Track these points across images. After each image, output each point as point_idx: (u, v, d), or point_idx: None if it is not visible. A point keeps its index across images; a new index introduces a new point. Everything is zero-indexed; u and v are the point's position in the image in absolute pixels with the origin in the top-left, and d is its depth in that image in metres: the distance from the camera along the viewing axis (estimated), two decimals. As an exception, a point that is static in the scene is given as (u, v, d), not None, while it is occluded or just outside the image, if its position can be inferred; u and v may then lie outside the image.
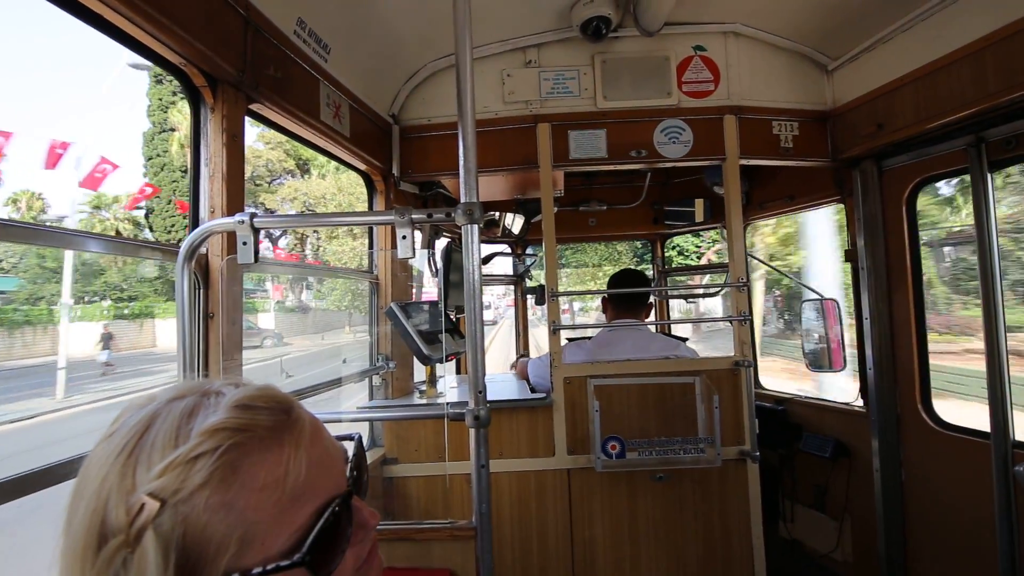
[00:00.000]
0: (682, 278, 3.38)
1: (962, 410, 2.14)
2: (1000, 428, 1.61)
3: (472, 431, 0.96)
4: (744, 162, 1.93)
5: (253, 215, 0.98)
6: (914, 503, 1.91)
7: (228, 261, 1.04)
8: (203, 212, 1.13)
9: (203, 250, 1.12)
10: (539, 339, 2.96)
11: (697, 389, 1.83)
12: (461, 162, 0.97)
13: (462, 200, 0.97)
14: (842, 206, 2.20)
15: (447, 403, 1.01)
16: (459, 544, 0.94)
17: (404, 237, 0.96)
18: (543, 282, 3.00)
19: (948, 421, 1.84)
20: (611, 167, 1.99)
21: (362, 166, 1.90)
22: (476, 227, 0.97)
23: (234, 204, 1.12)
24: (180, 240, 1.05)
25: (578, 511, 1.84)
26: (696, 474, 1.84)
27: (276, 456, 0.45)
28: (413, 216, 0.96)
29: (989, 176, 1.67)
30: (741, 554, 1.83)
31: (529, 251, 3.10)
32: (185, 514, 0.40)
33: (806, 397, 2.48)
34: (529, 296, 3.07)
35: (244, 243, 0.97)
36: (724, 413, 1.80)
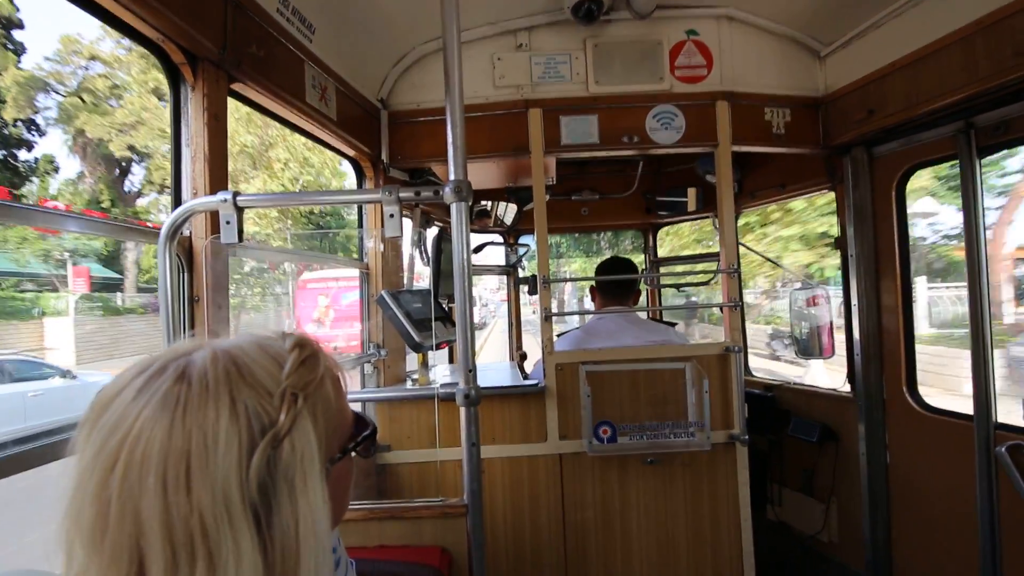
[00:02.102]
0: (674, 274, 3.37)
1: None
2: (983, 410, 1.64)
3: (463, 410, 0.95)
4: (736, 149, 1.93)
5: (236, 194, 0.96)
6: (898, 484, 1.94)
7: (212, 241, 1.02)
8: (185, 194, 1.10)
9: (186, 232, 1.10)
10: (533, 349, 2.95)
11: (687, 374, 1.83)
12: (449, 138, 0.96)
13: (451, 178, 0.96)
14: (832, 194, 2.21)
15: (438, 384, 1.00)
16: (450, 521, 0.94)
17: (392, 216, 0.95)
18: (536, 272, 3.00)
19: (933, 405, 1.86)
20: (603, 153, 1.97)
21: (350, 152, 1.87)
22: (464, 205, 0.96)
23: (217, 186, 1.09)
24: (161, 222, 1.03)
25: (570, 495, 1.84)
26: (686, 457, 1.85)
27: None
28: (401, 194, 0.94)
29: (978, 162, 1.68)
30: (729, 535, 1.85)
31: (522, 241, 3.08)
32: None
33: (795, 383, 2.50)
34: (522, 286, 3.06)
35: (228, 222, 0.95)
36: (714, 398, 1.82)
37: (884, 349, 1.96)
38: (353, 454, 0.56)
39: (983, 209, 1.68)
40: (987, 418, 1.64)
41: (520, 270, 3.11)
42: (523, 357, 2.98)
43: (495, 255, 3.10)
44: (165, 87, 1.05)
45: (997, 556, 1.61)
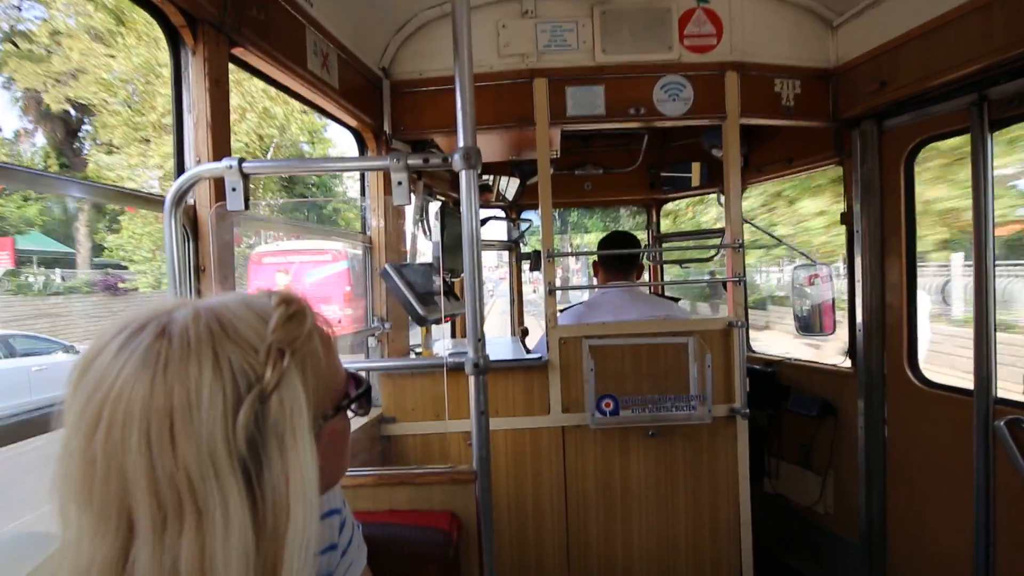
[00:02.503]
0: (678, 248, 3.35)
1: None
2: (983, 384, 1.65)
3: (472, 379, 0.95)
4: (744, 121, 1.90)
5: (242, 160, 0.94)
6: (896, 458, 1.97)
7: (217, 209, 1.01)
8: (188, 162, 1.09)
9: (190, 201, 1.09)
10: (534, 329, 2.93)
11: (690, 348, 1.84)
12: (458, 103, 0.94)
13: (459, 145, 0.94)
14: (840, 169, 2.19)
15: (447, 353, 1.00)
16: (459, 487, 0.96)
17: (400, 183, 0.93)
18: (538, 248, 2.99)
19: (933, 380, 1.88)
20: (609, 125, 1.94)
21: (352, 122, 1.84)
22: (474, 173, 0.94)
23: (220, 152, 1.07)
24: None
25: (572, 466, 1.87)
26: (687, 430, 1.88)
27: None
28: (409, 161, 0.93)
29: (990, 136, 1.65)
30: (728, 506, 1.89)
31: (524, 216, 3.06)
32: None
33: (796, 359, 2.52)
34: (524, 262, 3.06)
35: (233, 189, 0.94)
36: (716, 372, 1.83)
37: (887, 325, 1.97)
38: (349, 413, 0.57)
39: (992, 184, 1.66)
40: (987, 393, 1.65)
41: (522, 245, 3.10)
42: (525, 333, 3.00)
43: (496, 230, 3.08)
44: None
45: (991, 529, 1.65)
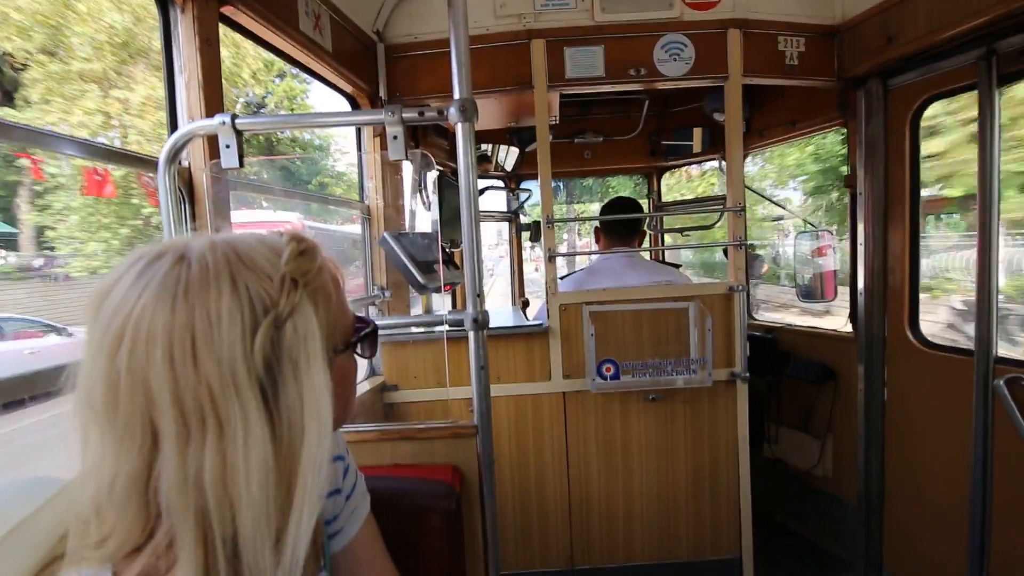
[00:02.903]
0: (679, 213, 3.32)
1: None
2: (984, 343, 1.65)
3: (471, 334, 0.96)
4: (747, 81, 1.86)
5: (235, 116, 0.93)
6: (895, 420, 1.99)
7: (212, 166, 0.99)
8: (181, 123, 1.07)
9: (184, 163, 1.07)
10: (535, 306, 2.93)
11: (691, 313, 1.84)
12: (453, 54, 0.92)
13: (456, 97, 0.93)
14: (844, 131, 2.15)
15: (446, 312, 1.00)
16: (461, 442, 0.97)
17: (395, 138, 0.92)
18: (538, 219, 2.97)
19: (934, 341, 1.88)
20: (609, 88, 1.90)
21: (347, 87, 1.81)
22: (470, 126, 0.93)
23: (213, 112, 1.06)
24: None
25: (573, 431, 1.90)
26: (687, 395, 1.89)
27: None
28: (404, 114, 0.91)
29: (997, 92, 1.62)
30: (727, 468, 1.92)
31: (524, 186, 3.03)
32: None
33: (796, 326, 2.53)
34: (524, 234, 3.04)
35: (227, 146, 0.93)
36: (716, 336, 1.83)
37: (889, 287, 1.96)
38: (356, 353, 0.59)
39: (999, 141, 1.63)
40: (987, 352, 1.65)
41: (522, 216, 3.08)
42: (525, 304, 3.00)
43: (495, 202, 3.05)
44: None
45: (988, 487, 1.67)
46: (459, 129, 0.93)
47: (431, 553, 0.92)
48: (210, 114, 1.01)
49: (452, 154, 2.58)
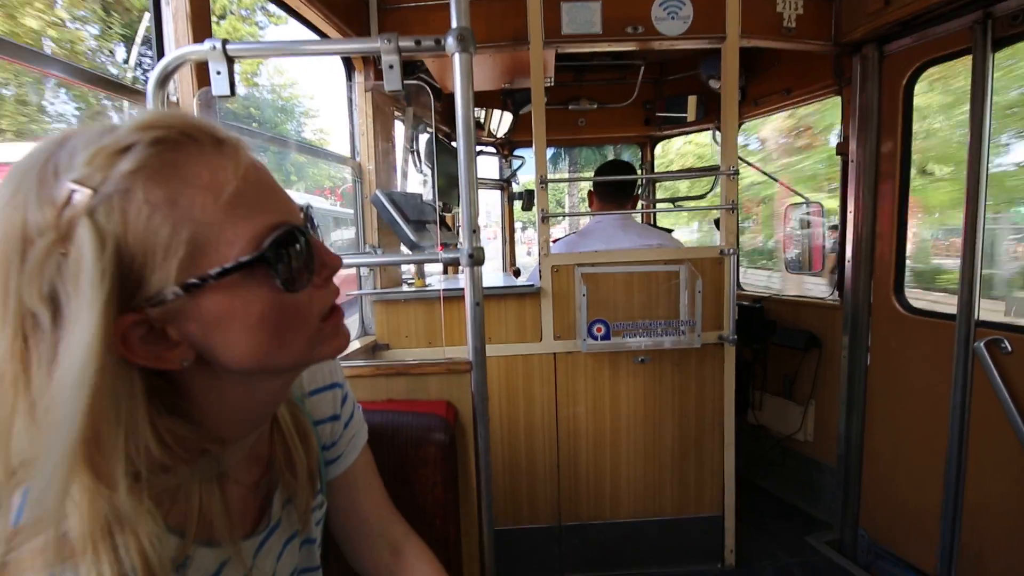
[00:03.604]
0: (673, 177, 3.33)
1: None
2: (965, 307, 1.69)
3: (466, 271, 0.95)
4: (745, 43, 1.85)
5: (225, 41, 0.90)
6: (876, 384, 2.04)
7: (202, 94, 0.97)
8: (169, 51, 1.03)
9: (173, 98, 1.04)
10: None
11: (682, 276, 1.86)
12: (452, -24, 0.89)
13: (453, 26, 0.91)
14: (838, 99, 2.16)
15: (440, 251, 0.99)
16: (455, 377, 0.97)
17: (392, 67, 0.90)
18: (530, 187, 2.95)
19: (918, 307, 1.92)
20: (605, 46, 1.88)
21: (341, 54, 1.76)
22: (468, 57, 0.91)
23: (201, 39, 1.02)
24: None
25: (563, 391, 1.92)
26: (676, 356, 1.92)
27: (219, 161, 0.42)
28: (400, 43, 0.89)
29: (991, 56, 1.63)
30: (713, 430, 1.96)
31: (517, 153, 3.00)
32: (123, 208, 0.38)
33: (783, 295, 2.56)
34: (517, 202, 3.02)
35: (218, 72, 0.90)
36: (706, 300, 1.85)
37: (876, 253, 1.99)
38: (278, 283, 0.44)
39: (991, 106, 1.65)
40: (969, 316, 1.69)
41: (514, 184, 3.05)
42: (517, 273, 3.00)
43: (488, 169, 3.02)
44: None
45: (964, 446, 1.72)
46: (456, 60, 0.91)
47: (426, 485, 0.93)
48: (198, 41, 0.98)
49: (445, 116, 2.55)
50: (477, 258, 0.94)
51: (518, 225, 3.20)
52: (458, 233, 2.06)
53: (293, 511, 0.63)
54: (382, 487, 0.80)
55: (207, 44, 0.90)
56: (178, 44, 0.99)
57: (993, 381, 1.60)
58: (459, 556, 0.98)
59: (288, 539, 0.63)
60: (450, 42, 0.90)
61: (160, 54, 1.02)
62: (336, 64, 1.95)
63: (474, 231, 0.94)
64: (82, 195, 0.37)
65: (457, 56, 0.91)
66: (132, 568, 0.39)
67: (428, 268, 2.32)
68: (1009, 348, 1.58)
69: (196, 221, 0.40)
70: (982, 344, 1.64)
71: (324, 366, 0.73)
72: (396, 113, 2.14)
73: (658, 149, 3.14)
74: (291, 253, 0.44)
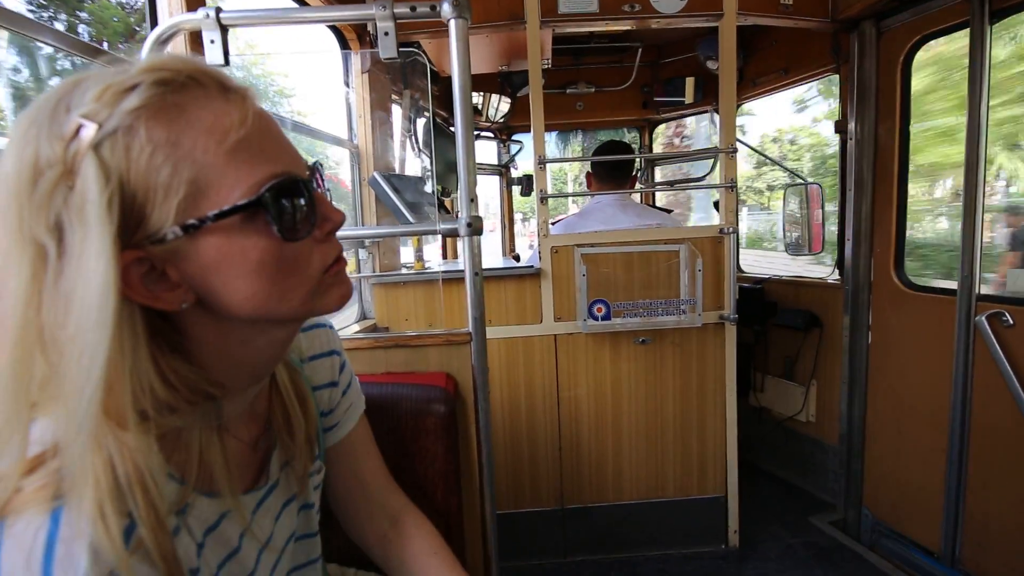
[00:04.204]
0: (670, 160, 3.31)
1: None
2: (967, 283, 1.68)
3: (465, 240, 0.95)
4: (742, 21, 1.83)
5: (219, 10, 0.89)
6: (878, 362, 2.03)
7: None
8: (162, 19, 1.02)
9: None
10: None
11: (682, 255, 1.85)
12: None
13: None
14: (836, 77, 2.14)
15: (439, 223, 0.99)
16: (454, 349, 0.97)
17: (387, 33, 0.89)
18: (529, 172, 2.94)
19: (918, 283, 1.92)
20: (602, 26, 1.87)
21: (335, 22, 1.75)
22: (464, 23, 0.90)
23: (194, 7, 1.01)
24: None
25: (564, 373, 1.91)
26: (676, 336, 1.91)
27: (224, 107, 0.42)
28: (396, 9, 0.88)
29: (989, 29, 1.62)
30: (715, 411, 1.95)
31: (515, 138, 2.99)
32: (127, 144, 0.39)
33: (784, 276, 2.56)
34: (515, 187, 3.01)
35: (212, 41, 0.89)
36: (706, 280, 1.85)
37: (876, 230, 1.98)
38: (275, 229, 0.44)
39: (989, 79, 1.64)
40: (970, 290, 1.69)
41: (512, 170, 3.04)
42: (516, 259, 2.99)
43: (486, 154, 3.01)
44: None
45: (967, 422, 1.72)
46: (452, 27, 0.90)
47: (427, 455, 0.92)
48: (191, 10, 0.97)
49: (442, 101, 2.53)
50: (475, 227, 0.93)
51: (518, 216, 3.19)
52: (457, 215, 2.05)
53: (291, 473, 0.63)
54: (380, 457, 0.80)
55: (200, 12, 0.89)
56: (171, 13, 0.98)
57: (995, 355, 1.60)
58: (460, 529, 0.98)
59: (286, 501, 0.62)
60: (445, 8, 0.89)
61: (154, 23, 1.01)
62: (319, 39, 1.92)
63: (472, 200, 0.93)
64: (88, 129, 0.38)
65: (453, 23, 0.90)
66: (135, 505, 0.39)
67: (427, 253, 2.32)
68: (1011, 321, 1.58)
69: (197, 163, 0.40)
70: (983, 318, 1.63)
71: (322, 334, 0.72)
72: (394, 97, 2.13)
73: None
74: (292, 203, 0.45)
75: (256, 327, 0.49)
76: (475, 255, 0.96)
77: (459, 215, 0.95)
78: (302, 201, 0.45)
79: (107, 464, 0.38)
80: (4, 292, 0.38)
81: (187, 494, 0.47)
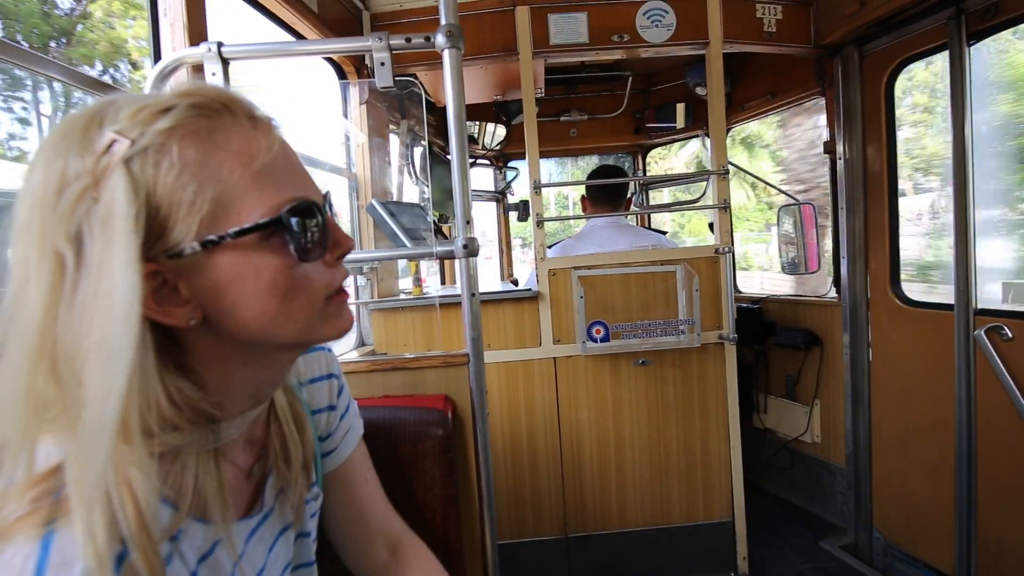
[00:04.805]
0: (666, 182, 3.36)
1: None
2: (963, 297, 1.69)
3: (461, 262, 0.96)
4: (727, 49, 1.90)
5: (220, 44, 0.92)
6: (880, 379, 2.02)
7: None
8: (165, 54, 1.06)
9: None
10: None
11: (678, 276, 1.86)
12: (439, -24, 0.92)
13: (442, 23, 0.93)
14: (822, 99, 2.20)
15: (435, 246, 1.00)
16: (452, 371, 0.96)
17: (383, 64, 0.92)
18: (525, 198, 2.98)
19: (915, 299, 1.92)
20: (593, 56, 1.93)
21: (333, 55, 1.81)
22: (457, 52, 0.93)
23: (197, 41, 1.05)
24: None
25: (564, 397, 1.89)
26: (676, 358, 1.90)
27: (251, 134, 0.45)
28: (392, 41, 0.91)
29: (967, 50, 1.67)
30: (718, 430, 1.93)
31: (511, 165, 3.05)
32: (157, 161, 0.40)
33: (781, 296, 2.56)
34: (512, 213, 3.05)
35: (213, 74, 0.92)
36: (704, 299, 1.85)
37: (870, 250, 2.00)
38: (292, 251, 0.46)
39: (971, 97, 1.68)
40: (967, 304, 1.69)
41: (509, 195, 3.09)
42: (514, 283, 3.00)
43: (482, 181, 3.06)
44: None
45: (973, 436, 1.70)
46: (446, 56, 0.93)
47: (426, 479, 0.91)
48: (194, 44, 1.00)
49: (438, 130, 2.59)
50: (471, 248, 0.94)
51: (517, 242, 3.22)
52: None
53: (286, 501, 0.62)
54: (378, 483, 0.78)
55: (203, 47, 0.92)
56: (175, 47, 1.02)
57: (996, 368, 1.59)
58: (460, 558, 0.95)
59: (282, 530, 0.61)
60: (439, 39, 0.93)
61: (157, 57, 1.04)
62: (312, 73, 1.97)
63: (468, 221, 0.94)
64: (121, 145, 0.39)
65: (446, 52, 0.93)
66: (128, 530, 0.38)
67: (430, 282, 2.32)
68: (1010, 334, 1.58)
69: (223, 183, 0.42)
70: (982, 332, 1.63)
71: (321, 356, 0.72)
72: (391, 126, 2.18)
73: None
74: (308, 226, 0.46)
75: (257, 351, 0.49)
76: (471, 276, 0.96)
77: (455, 236, 0.96)
78: (317, 225, 0.47)
79: (102, 487, 0.38)
80: (22, 304, 0.38)
81: (180, 520, 0.46)
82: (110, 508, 0.38)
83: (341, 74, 1.89)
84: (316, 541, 0.68)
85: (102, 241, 0.38)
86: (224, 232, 0.42)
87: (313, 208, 0.47)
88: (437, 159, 2.25)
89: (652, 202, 3.23)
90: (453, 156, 0.94)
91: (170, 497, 0.46)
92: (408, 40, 0.93)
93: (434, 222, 1.98)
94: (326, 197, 0.58)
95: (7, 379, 0.39)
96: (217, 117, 0.43)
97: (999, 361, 1.59)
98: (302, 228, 0.45)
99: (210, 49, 0.91)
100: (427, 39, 0.93)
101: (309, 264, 0.47)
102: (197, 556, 0.48)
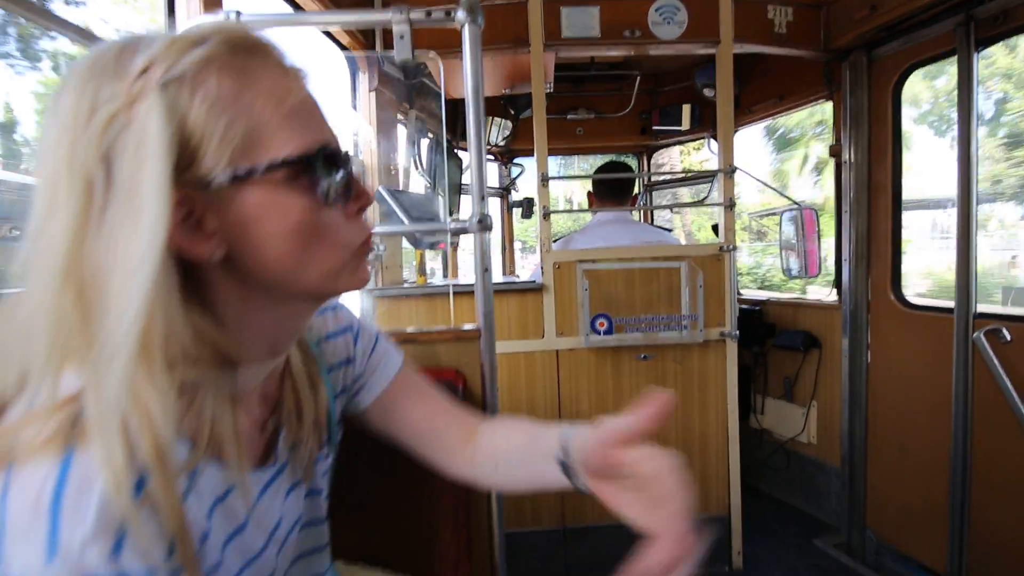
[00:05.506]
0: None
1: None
2: (963, 299, 1.71)
3: (476, 236, 0.96)
4: (738, 49, 1.91)
5: (238, 12, 0.92)
6: (877, 381, 2.03)
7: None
8: (180, 23, 1.06)
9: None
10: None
11: (683, 272, 1.87)
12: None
13: (464, -2, 0.93)
14: (830, 103, 2.22)
15: (449, 222, 1.00)
16: (463, 345, 0.96)
17: (402, 37, 0.93)
18: (529, 195, 3.00)
19: (914, 302, 1.94)
20: (604, 51, 1.94)
21: (344, 39, 1.81)
22: (477, 29, 0.94)
23: (213, 8, 1.05)
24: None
25: (566, 389, 1.90)
26: (678, 353, 1.91)
27: (284, 76, 0.45)
28: (411, 15, 0.92)
29: (976, 56, 1.69)
30: (716, 426, 1.94)
31: (516, 161, 3.06)
32: (192, 89, 0.40)
33: (782, 298, 2.58)
34: (516, 209, 3.06)
35: (232, 41, 0.92)
36: (707, 297, 1.86)
37: (872, 253, 2.02)
38: (318, 193, 0.46)
39: (977, 104, 1.70)
40: (967, 307, 1.71)
41: (513, 192, 3.09)
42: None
43: (488, 176, 3.06)
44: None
45: (968, 441, 1.71)
46: (466, 32, 0.94)
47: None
48: (209, 11, 1.00)
49: (448, 123, 2.59)
50: (485, 224, 0.94)
51: (518, 245, 3.23)
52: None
53: (297, 456, 0.62)
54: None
55: (220, 15, 0.92)
56: (189, 15, 1.02)
57: (995, 371, 1.61)
58: (468, 530, 0.95)
59: (292, 485, 0.61)
60: (460, 14, 0.93)
61: (172, 25, 1.04)
62: (319, 60, 1.97)
63: (483, 197, 0.95)
64: (157, 69, 0.39)
65: (466, 28, 0.94)
66: (148, 459, 0.38)
67: (429, 267, 2.33)
68: (1008, 337, 1.59)
69: (255, 118, 0.42)
70: (982, 335, 1.65)
71: (338, 313, 0.73)
72: (399, 116, 2.18)
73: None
74: (334, 171, 0.47)
75: (275, 295, 0.49)
76: (484, 251, 0.97)
77: (472, 211, 0.97)
78: (343, 172, 0.47)
79: (121, 413, 0.38)
80: (48, 227, 0.38)
81: (197, 458, 0.46)
82: (127, 434, 0.38)
83: (351, 60, 1.89)
84: (328, 500, 0.67)
85: (133, 163, 0.38)
86: (255, 165, 0.42)
87: (341, 155, 0.47)
88: (447, 153, 2.25)
89: (656, 199, 3.25)
90: (470, 131, 0.95)
91: (188, 435, 0.46)
92: (428, 14, 0.94)
93: (446, 202, 1.98)
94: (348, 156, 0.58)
95: (32, 305, 0.39)
96: (252, 55, 0.43)
97: (997, 364, 1.60)
98: (329, 172, 0.46)
99: (228, 18, 0.91)
100: (447, 14, 0.94)
101: (333, 212, 0.47)
102: (212, 498, 0.48)
